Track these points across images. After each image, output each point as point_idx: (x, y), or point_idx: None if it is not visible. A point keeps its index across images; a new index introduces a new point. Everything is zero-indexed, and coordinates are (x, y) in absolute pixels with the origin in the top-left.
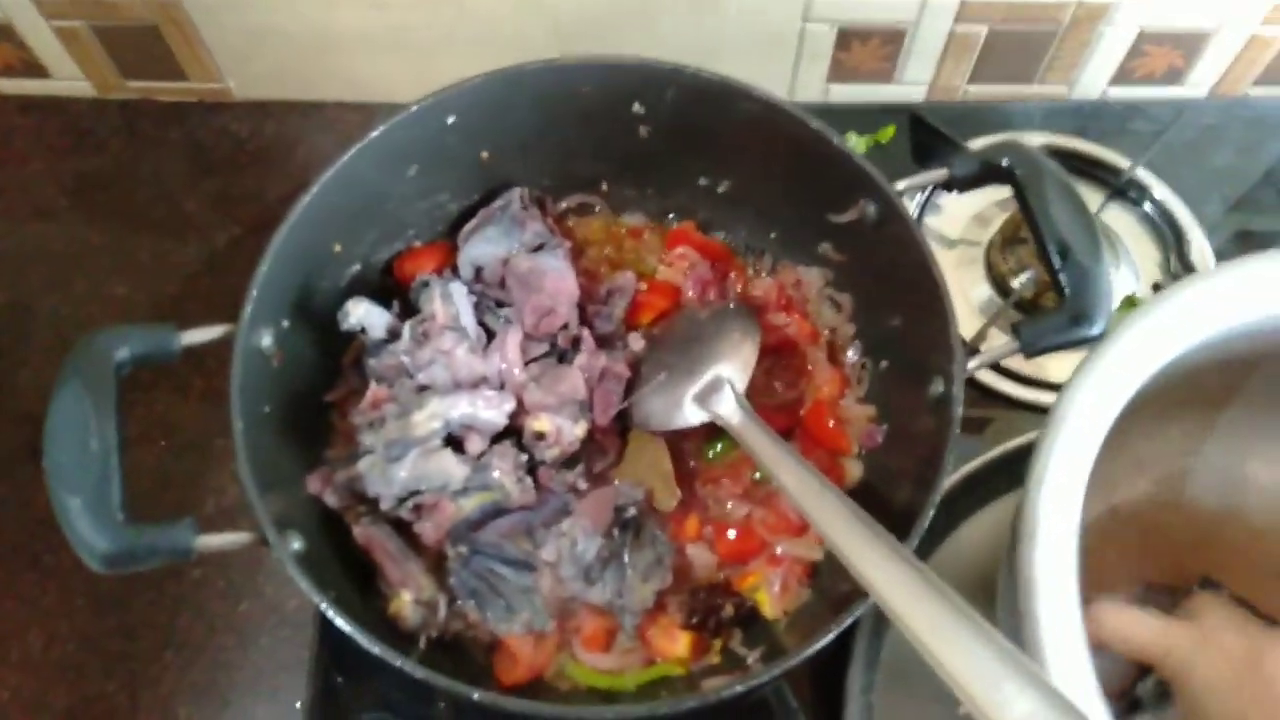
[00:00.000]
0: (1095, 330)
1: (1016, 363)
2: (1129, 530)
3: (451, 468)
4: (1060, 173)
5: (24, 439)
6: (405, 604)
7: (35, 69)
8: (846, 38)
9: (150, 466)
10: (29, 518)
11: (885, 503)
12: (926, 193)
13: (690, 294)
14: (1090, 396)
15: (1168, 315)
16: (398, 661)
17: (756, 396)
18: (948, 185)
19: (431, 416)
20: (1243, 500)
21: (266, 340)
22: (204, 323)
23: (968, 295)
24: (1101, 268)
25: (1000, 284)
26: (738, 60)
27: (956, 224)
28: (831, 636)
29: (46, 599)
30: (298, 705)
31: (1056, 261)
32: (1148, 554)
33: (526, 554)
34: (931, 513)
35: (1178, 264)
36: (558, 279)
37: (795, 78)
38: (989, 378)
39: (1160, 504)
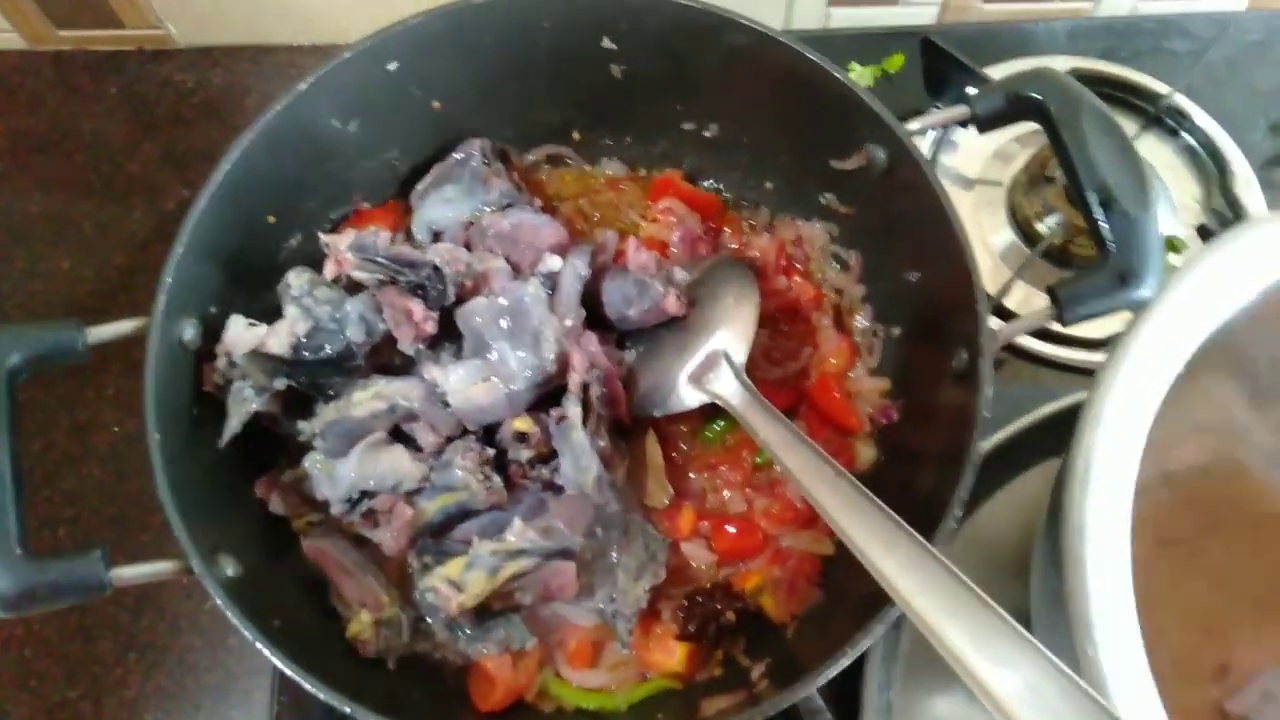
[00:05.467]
0: (1145, 292)
1: None
2: (1182, 509)
3: (404, 464)
4: (1100, 105)
5: None
6: (365, 625)
7: None
8: None
9: (94, 479)
10: None
11: (903, 489)
12: (941, 130)
13: (677, 252)
14: (1143, 361)
15: (1227, 266)
16: (346, 707)
17: (755, 370)
18: (969, 124)
19: (375, 397)
20: None
21: (190, 332)
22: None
23: (988, 242)
24: (1151, 216)
25: (1025, 229)
26: None
27: (974, 162)
28: (850, 659)
29: None
30: None
31: (1098, 211)
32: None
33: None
34: (960, 508)
35: (1221, 199)
36: (550, 231)
37: (792, 2)
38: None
39: (1217, 473)
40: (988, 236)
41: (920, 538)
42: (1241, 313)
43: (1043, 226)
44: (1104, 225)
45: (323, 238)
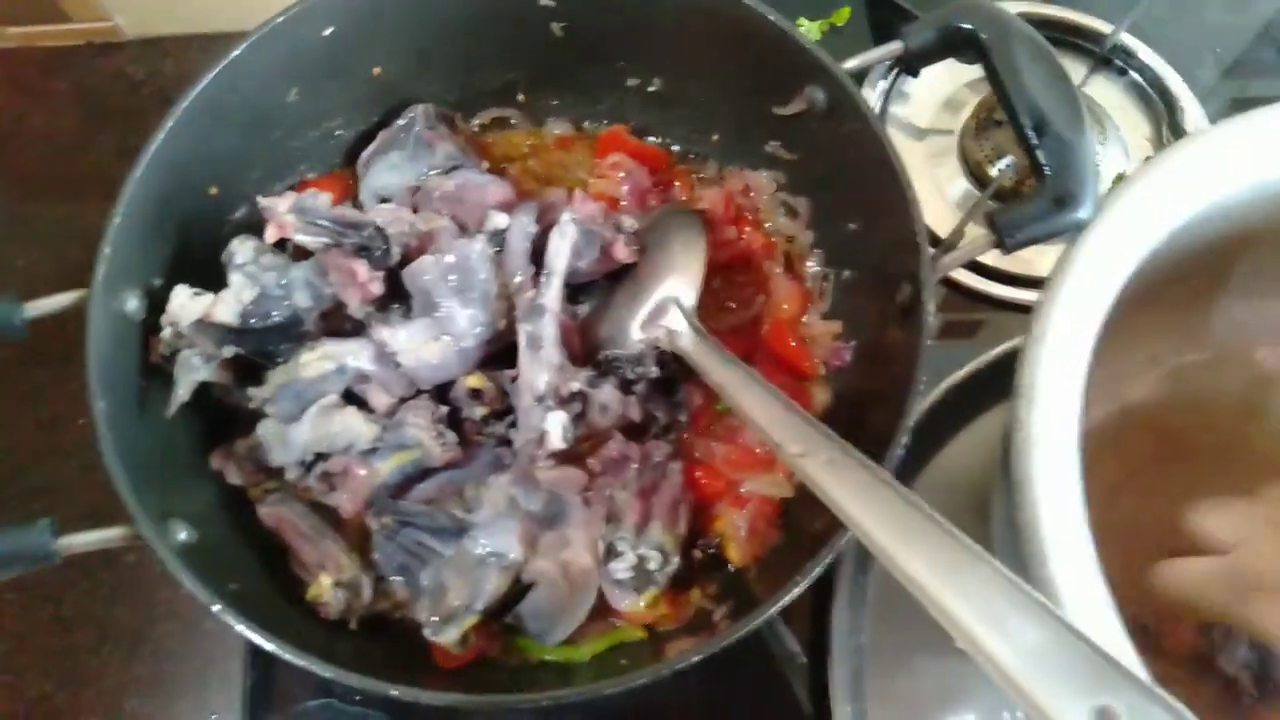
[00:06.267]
0: (1082, 213)
1: (1000, 260)
2: (1144, 438)
3: (356, 425)
4: (1031, 33)
5: None
6: (325, 588)
7: None
8: None
9: (63, 474)
10: None
11: (858, 428)
12: (890, 80)
13: (627, 205)
14: (1084, 277)
15: (1163, 183)
16: (301, 661)
17: (709, 319)
18: (905, 63)
19: (323, 357)
20: (1263, 398)
21: (133, 303)
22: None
23: (943, 191)
24: (1085, 139)
25: (978, 174)
26: None
27: (925, 112)
28: (801, 589)
29: None
30: None
31: (1032, 137)
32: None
33: (459, 521)
34: (907, 432)
35: (1170, 136)
36: (495, 190)
37: None
38: (970, 279)
39: (1177, 406)
40: (943, 186)
41: (870, 462)
42: (1179, 232)
43: (994, 170)
44: (1039, 151)
45: (261, 201)
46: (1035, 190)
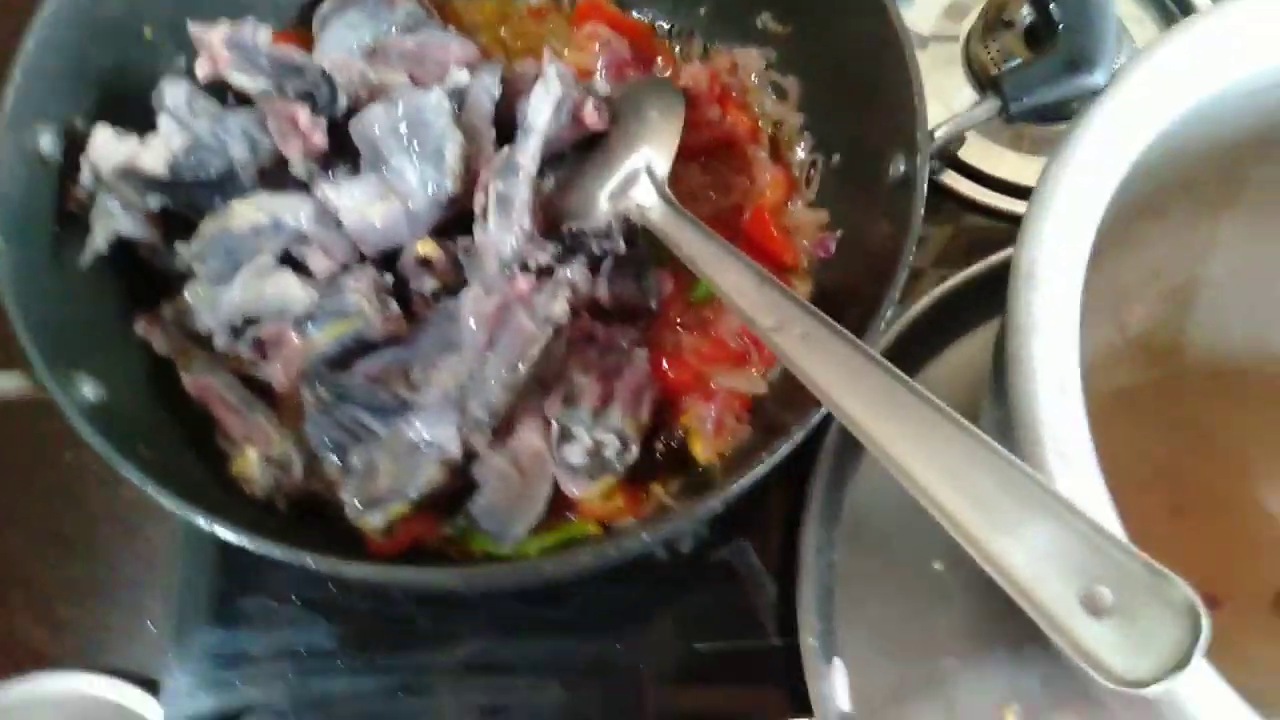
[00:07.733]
0: (1097, 77)
1: (998, 166)
2: (1137, 361)
3: (292, 289)
4: None
5: None
6: (251, 462)
7: None
8: None
9: None
10: None
11: (838, 318)
12: None
13: (603, 79)
14: (1092, 152)
15: (1187, 49)
16: (207, 524)
17: (689, 205)
18: None
19: (257, 209)
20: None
21: (48, 140)
22: None
23: (949, 101)
24: None
25: (985, 81)
26: None
27: (929, 17)
28: (765, 468)
29: None
30: None
31: None
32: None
33: (402, 400)
34: (893, 305)
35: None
36: (458, 48)
37: None
38: (965, 186)
39: (1176, 328)
40: (948, 96)
41: (850, 335)
42: (1197, 117)
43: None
44: (1053, 5)
45: (192, 28)
46: (1047, 48)
